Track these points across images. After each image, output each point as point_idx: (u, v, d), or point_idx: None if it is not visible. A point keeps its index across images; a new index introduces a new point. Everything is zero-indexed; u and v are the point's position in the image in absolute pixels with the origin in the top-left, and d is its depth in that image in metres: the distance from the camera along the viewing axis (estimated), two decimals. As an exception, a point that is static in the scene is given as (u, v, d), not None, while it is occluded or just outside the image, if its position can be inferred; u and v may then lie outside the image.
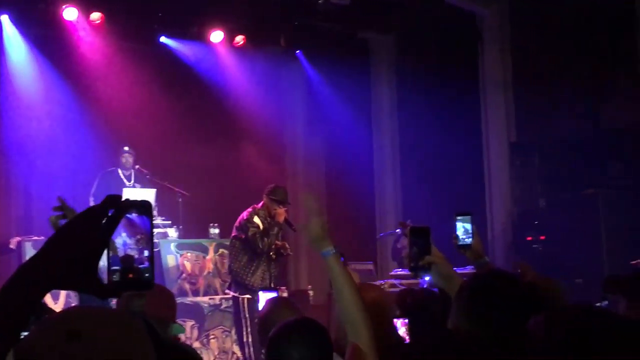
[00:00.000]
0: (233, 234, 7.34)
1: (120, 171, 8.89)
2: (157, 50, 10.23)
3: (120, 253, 1.25)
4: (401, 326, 3.38)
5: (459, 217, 2.85)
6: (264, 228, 7.12)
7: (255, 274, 7.15)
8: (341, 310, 2.41)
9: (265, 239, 7.09)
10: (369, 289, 3.10)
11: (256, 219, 7.12)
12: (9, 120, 9.22)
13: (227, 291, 7.70)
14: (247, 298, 7.04)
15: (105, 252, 1.24)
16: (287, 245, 7.45)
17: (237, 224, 7.24)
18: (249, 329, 6.96)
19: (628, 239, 7.78)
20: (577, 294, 7.48)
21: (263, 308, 3.49)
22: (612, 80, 8.65)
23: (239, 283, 7.22)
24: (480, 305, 2.01)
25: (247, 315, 7.00)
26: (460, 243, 2.86)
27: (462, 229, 2.83)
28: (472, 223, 2.84)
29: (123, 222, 1.25)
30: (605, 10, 8.63)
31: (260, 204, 7.23)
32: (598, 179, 8.24)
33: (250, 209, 7.20)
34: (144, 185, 8.79)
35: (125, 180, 8.82)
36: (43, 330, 1.15)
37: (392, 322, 3.21)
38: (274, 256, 7.28)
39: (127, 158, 8.87)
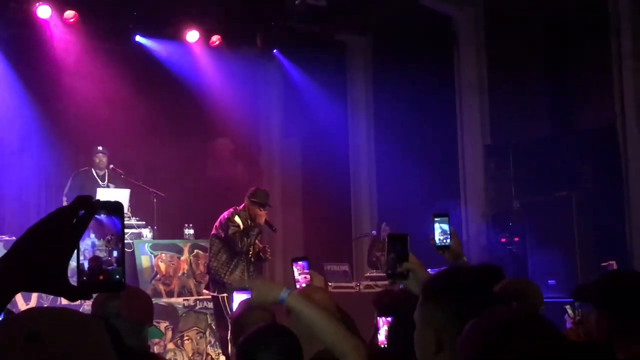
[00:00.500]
0: (213, 232, 7.42)
1: (94, 171, 8.81)
2: (133, 49, 10.15)
3: (89, 254, 1.22)
4: (383, 324, 3.38)
5: (437, 219, 2.85)
6: (244, 228, 7.22)
7: (233, 273, 7.21)
8: (323, 339, 2.41)
9: (245, 239, 7.19)
10: (314, 292, 3.09)
11: (237, 219, 7.23)
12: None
13: (204, 291, 7.70)
14: (227, 296, 7.04)
15: (75, 253, 1.21)
16: (268, 250, 7.58)
17: (217, 223, 7.34)
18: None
19: (601, 241, 7.86)
20: (550, 295, 7.55)
21: (236, 309, 3.46)
22: (586, 82, 8.73)
23: (216, 281, 7.26)
24: (461, 299, 2.00)
25: (229, 313, 6.98)
26: (439, 244, 2.86)
27: (440, 229, 2.84)
28: (450, 224, 2.84)
29: (92, 223, 1.23)
30: (579, 12, 8.72)
31: (242, 205, 7.34)
32: (572, 180, 8.31)
33: (231, 209, 7.32)
34: (118, 185, 8.73)
35: (99, 180, 8.74)
36: (1, 330, 1.12)
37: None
38: (252, 259, 7.37)
39: (101, 158, 8.80)
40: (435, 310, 1.99)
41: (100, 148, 8.85)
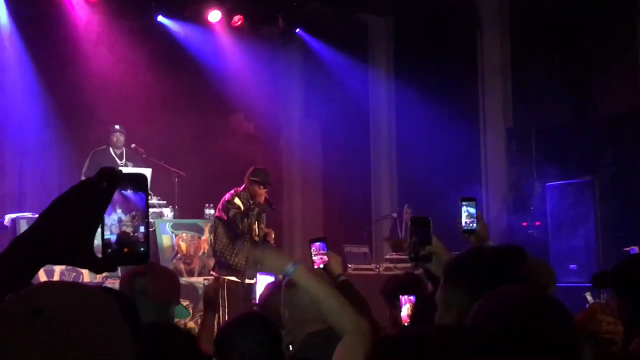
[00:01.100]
0: (216, 215, 7.41)
1: (111, 150, 8.85)
2: (154, 28, 10.16)
3: (116, 230, 1.23)
4: (405, 303, 3.38)
5: (464, 202, 2.85)
6: (244, 209, 7.17)
7: (238, 255, 7.16)
8: (326, 315, 2.40)
9: (245, 220, 7.14)
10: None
11: (237, 200, 7.19)
12: (2, 99, 9.17)
13: (211, 272, 7.66)
14: (229, 280, 7.04)
15: (100, 226, 1.22)
16: (272, 235, 7.47)
17: (220, 205, 7.32)
18: (225, 310, 6.90)
19: (623, 225, 7.80)
20: (571, 279, 7.51)
21: (263, 292, 3.45)
22: (609, 66, 8.63)
23: (222, 264, 7.23)
24: (467, 280, 2.00)
25: (225, 296, 6.97)
26: (465, 228, 2.87)
27: (467, 212, 2.84)
28: (476, 208, 2.85)
29: (118, 198, 1.23)
30: (604, -5, 8.62)
31: (242, 186, 7.29)
32: (594, 164, 8.25)
33: (232, 191, 7.28)
34: (137, 164, 8.76)
35: (117, 159, 8.78)
36: (6, 307, 1.11)
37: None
38: (257, 238, 7.29)
39: (118, 137, 8.82)
40: (456, 292, 1.99)
41: (117, 127, 8.86)
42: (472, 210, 2.83)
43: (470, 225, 2.81)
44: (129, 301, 2.19)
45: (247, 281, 7.06)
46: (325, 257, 3.35)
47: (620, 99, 8.50)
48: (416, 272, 3.86)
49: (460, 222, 2.85)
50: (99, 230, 1.22)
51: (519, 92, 9.45)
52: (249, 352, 2.34)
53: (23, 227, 7.38)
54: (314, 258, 3.36)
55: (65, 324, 1.07)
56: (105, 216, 1.22)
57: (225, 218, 7.18)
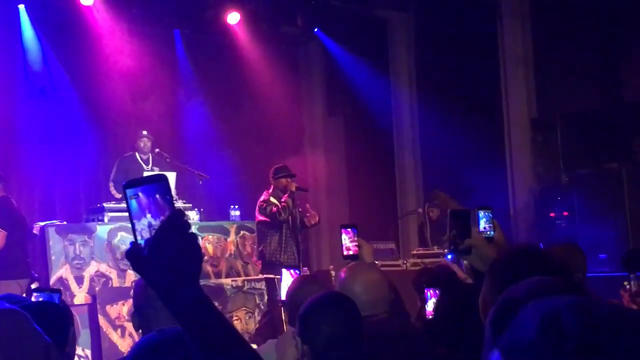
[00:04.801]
0: (257, 220, 7.81)
1: (138, 155, 8.90)
2: (173, 33, 10.22)
3: (147, 234, 1.23)
4: (431, 297, 3.36)
5: (480, 210, 2.84)
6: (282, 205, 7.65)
7: (286, 252, 7.63)
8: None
9: (282, 212, 7.59)
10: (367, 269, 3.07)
11: (272, 199, 7.67)
12: (31, 107, 9.26)
13: (260, 275, 7.99)
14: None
15: (132, 232, 1.23)
16: (308, 209, 7.91)
17: (257, 210, 7.77)
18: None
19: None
20: (601, 269, 7.42)
21: (291, 286, 3.45)
22: (635, 53, 8.50)
23: (272, 264, 7.52)
24: (509, 277, 1.98)
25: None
26: (484, 235, 2.86)
27: (485, 219, 2.83)
28: (493, 216, 2.84)
29: (147, 202, 1.23)
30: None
31: (271, 188, 7.79)
32: (621, 153, 8.14)
33: (264, 195, 7.76)
34: (163, 168, 8.80)
35: (143, 165, 8.83)
36: None
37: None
38: (298, 234, 7.81)
39: (145, 142, 8.86)
40: (488, 285, 1.99)
41: (144, 132, 8.91)
42: (490, 217, 2.82)
43: (489, 232, 2.80)
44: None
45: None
46: (357, 244, 3.31)
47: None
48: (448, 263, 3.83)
49: (478, 228, 2.84)
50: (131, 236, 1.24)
51: (543, 82, 9.36)
52: (335, 332, 2.34)
53: (52, 235, 7.44)
54: (348, 244, 3.31)
55: None
56: (135, 221, 1.23)
57: (265, 218, 7.62)
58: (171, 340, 1.58)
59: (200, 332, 1.21)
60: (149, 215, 1.23)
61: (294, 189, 7.65)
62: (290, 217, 7.68)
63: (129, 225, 1.23)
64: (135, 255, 1.22)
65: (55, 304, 2.61)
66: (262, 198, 7.72)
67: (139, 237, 1.22)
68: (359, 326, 2.42)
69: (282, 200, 7.60)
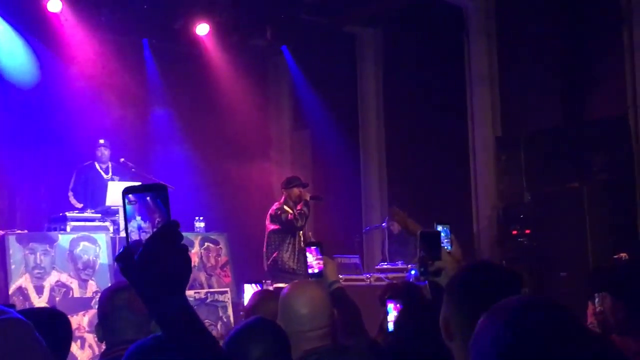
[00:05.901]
0: (268, 230, 7.82)
1: (97, 164, 8.85)
2: (142, 42, 10.16)
3: (135, 236, 1.24)
4: (393, 310, 3.36)
5: (439, 225, 2.87)
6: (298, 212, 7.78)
7: (299, 261, 7.67)
8: None
9: (299, 219, 7.70)
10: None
11: (286, 208, 7.76)
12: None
13: (267, 282, 7.86)
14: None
15: (125, 235, 1.25)
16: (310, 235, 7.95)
17: (267, 220, 7.82)
18: None
19: (612, 232, 7.82)
20: (562, 287, 7.52)
21: (250, 300, 3.45)
22: (597, 73, 8.67)
23: (285, 272, 7.60)
24: (464, 294, 2.00)
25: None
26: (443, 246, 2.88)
27: (444, 233, 2.85)
28: (451, 232, 2.87)
29: (139, 206, 1.25)
30: (592, 2, 8.66)
31: (282, 198, 7.87)
32: (583, 172, 8.27)
33: (276, 204, 7.87)
34: (123, 178, 8.75)
35: (102, 173, 8.77)
36: None
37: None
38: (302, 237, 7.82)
39: (103, 151, 8.84)
40: (448, 303, 2.00)
41: (101, 141, 8.89)
42: (448, 232, 2.85)
43: (447, 247, 2.83)
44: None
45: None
46: (322, 261, 3.33)
47: (610, 105, 8.53)
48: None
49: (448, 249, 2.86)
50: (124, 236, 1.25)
51: (508, 100, 9.49)
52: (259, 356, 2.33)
53: (12, 243, 7.33)
54: (312, 263, 3.33)
55: None
56: (127, 223, 1.24)
57: (279, 226, 7.68)
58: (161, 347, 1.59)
59: (183, 340, 1.23)
60: (138, 218, 1.26)
61: (308, 198, 7.78)
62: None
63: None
64: (125, 259, 1.22)
65: (59, 313, 2.62)
66: (274, 207, 7.82)
67: (130, 240, 1.24)
68: (287, 350, 2.42)
69: (298, 208, 7.69)
